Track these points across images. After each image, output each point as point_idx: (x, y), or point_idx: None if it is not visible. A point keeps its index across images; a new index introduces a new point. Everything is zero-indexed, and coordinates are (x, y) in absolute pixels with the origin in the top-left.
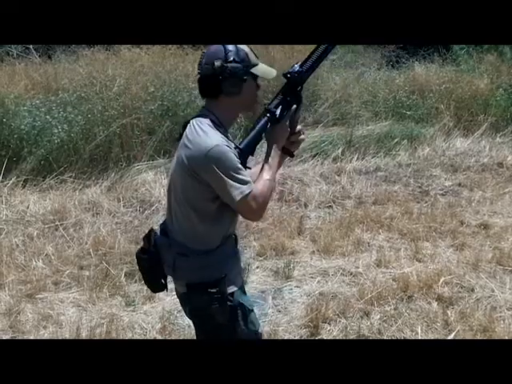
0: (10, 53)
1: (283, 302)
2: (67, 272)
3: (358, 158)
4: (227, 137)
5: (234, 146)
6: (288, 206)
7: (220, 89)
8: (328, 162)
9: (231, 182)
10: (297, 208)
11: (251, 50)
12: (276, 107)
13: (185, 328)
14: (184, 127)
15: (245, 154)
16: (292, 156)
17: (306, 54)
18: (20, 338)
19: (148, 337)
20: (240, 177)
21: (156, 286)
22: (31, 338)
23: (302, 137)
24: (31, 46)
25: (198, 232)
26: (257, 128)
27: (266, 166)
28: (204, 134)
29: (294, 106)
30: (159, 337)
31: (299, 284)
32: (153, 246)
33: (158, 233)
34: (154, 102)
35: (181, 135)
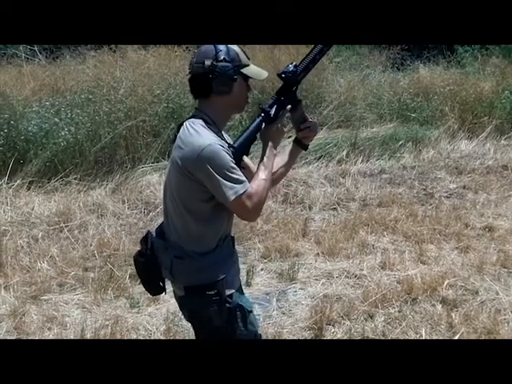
0: (18, 55)
1: (287, 304)
2: (72, 274)
3: (362, 161)
4: (220, 136)
5: (227, 145)
6: (293, 208)
7: (210, 88)
8: (333, 164)
9: (225, 181)
10: (301, 210)
11: (242, 51)
12: (270, 107)
13: (189, 330)
14: (178, 129)
15: (238, 152)
16: (305, 149)
17: None
18: (24, 339)
19: (152, 338)
20: (234, 176)
21: (154, 288)
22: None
23: (310, 132)
24: (36, 48)
25: (193, 233)
26: (251, 128)
27: (262, 166)
28: (197, 134)
29: (289, 106)
30: (163, 338)
31: (303, 286)
32: (150, 249)
33: (155, 235)
34: (160, 105)
35: (175, 136)
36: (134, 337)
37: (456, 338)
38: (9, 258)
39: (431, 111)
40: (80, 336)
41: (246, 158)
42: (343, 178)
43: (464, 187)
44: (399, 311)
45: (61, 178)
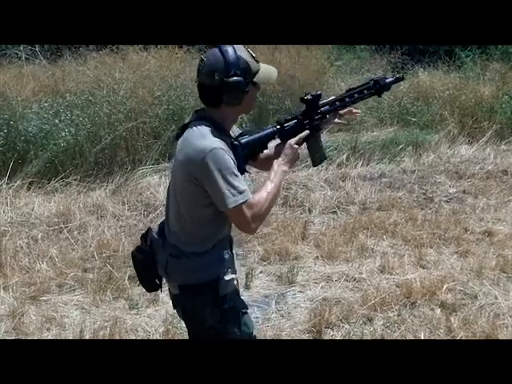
0: (18, 55)
1: (286, 306)
2: (71, 274)
3: (362, 164)
4: (226, 139)
5: (233, 143)
6: (292, 211)
7: (220, 100)
8: (333, 167)
9: (226, 187)
10: (301, 213)
11: (251, 55)
12: (287, 122)
13: (188, 331)
14: (182, 130)
15: (244, 148)
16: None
17: (312, 60)
18: (23, 339)
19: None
20: (236, 183)
21: (150, 285)
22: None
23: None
24: (37, 49)
25: (190, 234)
26: (262, 133)
27: (268, 180)
28: (202, 137)
29: (307, 132)
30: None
31: (303, 289)
32: (148, 246)
33: (155, 232)
34: (160, 106)
35: (178, 136)
36: (132, 338)
37: None
38: (8, 258)
39: (431, 115)
40: (79, 337)
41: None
42: (343, 181)
43: (464, 192)
44: (398, 315)
45: (61, 178)
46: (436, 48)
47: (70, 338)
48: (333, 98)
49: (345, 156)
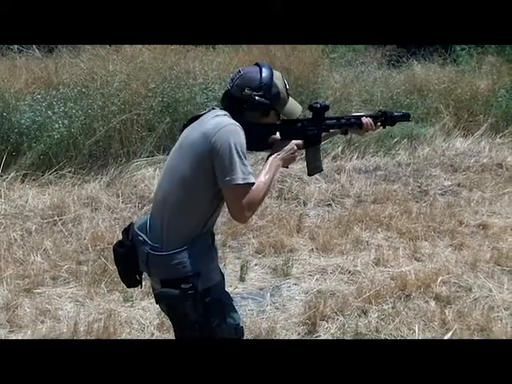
0: (11, 47)
1: (281, 299)
2: (65, 267)
3: (357, 157)
4: None
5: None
6: (287, 204)
7: (242, 112)
8: (328, 160)
9: (240, 162)
10: (296, 206)
11: (285, 86)
12: (289, 124)
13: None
14: (192, 120)
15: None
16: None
17: (307, 53)
18: (17, 332)
19: (146, 332)
20: (246, 162)
21: (130, 281)
22: (29, 332)
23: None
24: None
25: (175, 226)
26: (264, 126)
27: (264, 171)
28: (219, 117)
29: (302, 141)
30: (157, 332)
31: (297, 281)
32: (130, 240)
33: (136, 227)
34: (155, 99)
35: (185, 126)
36: (127, 331)
37: (449, 334)
38: (2, 250)
39: (426, 109)
40: (73, 329)
41: None
42: (338, 174)
43: (459, 185)
44: (393, 307)
45: (55, 171)
46: None
47: (64, 330)
48: (340, 115)
49: (340, 149)
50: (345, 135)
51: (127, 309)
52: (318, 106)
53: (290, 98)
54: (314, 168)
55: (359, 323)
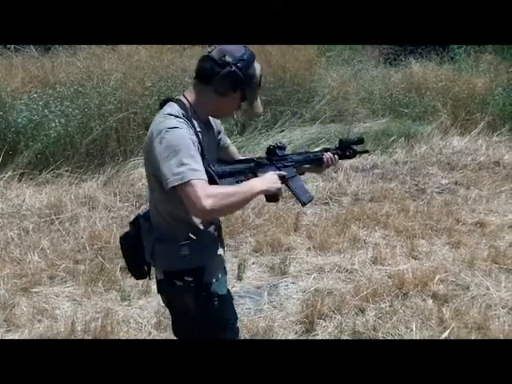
0: (8, 46)
1: (279, 297)
2: (62, 266)
3: None
4: (198, 123)
5: (210, 170)
6: (285, 203)
7: (210, 79)
8: None
9: (174, 163)
10: (293, 204)
11: (260, 77)
12: (260, 162)
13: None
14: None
15: (216, 175)
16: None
17: (303, 51)
18: (15, 331)
19: (143, 331)
20: (189, 161)
21: (138, 272)
22: (26, 331)
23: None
24: None
25: (173, 218)
26: (238, 168)
27: (239, 187)
28: (164, 119)
29: (285, 173)
30: (154, 331)
31: (295, 280)
32: (136, 230)
33: (142, 217)
34: (151, 97)
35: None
36: (124, 330)
37: (446, 333)
38: None
39: (423, 107)
40: (70, 328)
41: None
42: (335, 172)
43: (456, 183)
44: (390, 306)
45: (52, 170)
46: None
47: (62, 329)
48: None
49: None
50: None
51: (124, 308)
52: (278, 144)
53: (258, 96)
54: (302, 199)
55: (357, 322)
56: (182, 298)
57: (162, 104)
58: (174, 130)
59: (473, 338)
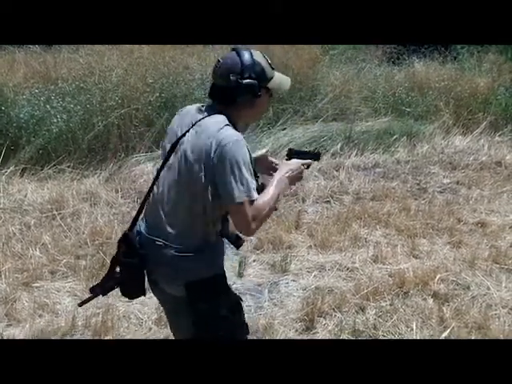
0: None
1: (279, 295)
2: (64, 261)
3: (356, 154)
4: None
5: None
6: (286, 201)
7: (234, 101)
8: (327, 157)
9: (239, 179)
10: (295, 202)
11: (267, 62)
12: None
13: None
14: (185, 115)
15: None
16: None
17: (306, 50)
18: (15, 326)
19: (144, 327)
20: (250, 178)
21: (139, 290)
22: (27, 326)
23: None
24: None
25: (195, 228)
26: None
27: (271, 187)
28: (222, 128)
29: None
30: (155, 327)
31: (296, 278)
32: (140, 248)
33: (144, 230)
34: (153, 94)
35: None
36: (125, 325)
37: (447, 332)
38: (1, 244)
39: (426, 106)
40: (71, 323)
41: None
42: (337, 171)
43: (457, 182)
44: (391, 304)
45: (54, 165)
46: None
47: (63, 324)
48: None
49: (339, 146)
50: None
51: (125, 303)
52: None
53: (276, 72)
54: None
55: (357, 320)
56: (214, 302)
57: (203, 109)
58: (240, 143)
59: (473, 338)
